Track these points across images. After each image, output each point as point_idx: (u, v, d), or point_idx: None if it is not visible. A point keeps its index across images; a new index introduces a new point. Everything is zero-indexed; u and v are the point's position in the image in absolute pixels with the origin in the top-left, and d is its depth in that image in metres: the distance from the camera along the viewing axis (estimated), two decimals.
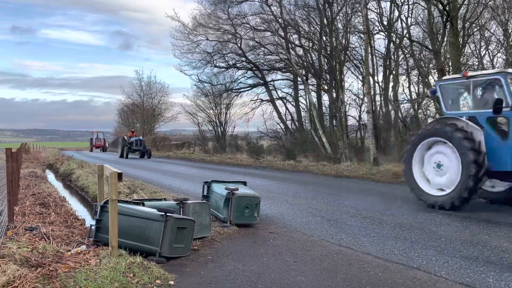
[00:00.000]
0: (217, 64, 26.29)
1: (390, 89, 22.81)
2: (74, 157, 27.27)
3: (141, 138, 29.05)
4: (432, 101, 18.25)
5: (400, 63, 21.84)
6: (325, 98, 23.29)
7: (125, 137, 30.00)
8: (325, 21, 19.60)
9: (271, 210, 7.93)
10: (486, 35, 20.47)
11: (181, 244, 4.96)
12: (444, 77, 9.28)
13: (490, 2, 16.83)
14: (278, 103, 26.40)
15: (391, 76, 22.77)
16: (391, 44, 21.79)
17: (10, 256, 4.44)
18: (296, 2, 20.77)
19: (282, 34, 22.00)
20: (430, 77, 19.54)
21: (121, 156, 29.09)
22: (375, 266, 4.57)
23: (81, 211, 9.80)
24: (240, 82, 27.75)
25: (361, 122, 23.80)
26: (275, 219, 7.16)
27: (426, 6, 17.27)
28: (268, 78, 26.47)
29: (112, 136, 62.56)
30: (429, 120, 18.91)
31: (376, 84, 22.90)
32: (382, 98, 22.93)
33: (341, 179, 13.46)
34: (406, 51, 19.74)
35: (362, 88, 22.39)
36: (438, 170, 8.00)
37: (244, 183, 7.71)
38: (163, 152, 35.67)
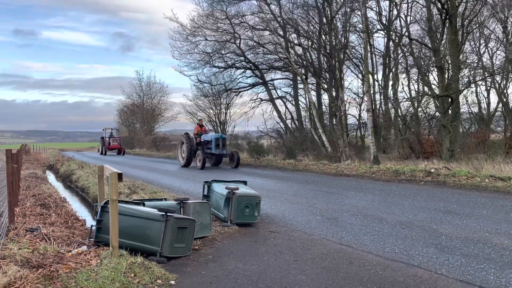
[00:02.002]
0: (216, 64, 26.26)
1: (390, 87, 22.84)
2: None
3: (223, 136, 19.03)
4: (431, 99, 18.25)
5: (400, 61, 21.87)
6: (325, 97, 23.30)
7: (190, 135, 19.70)
8: (324, 20, 19.58)
9: (271, 209, 7.93)
10: (485, 33, 20.48)
11: (181, 243, 4.97)
12: None
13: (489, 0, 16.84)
14: (278, 102, 26.39)
15: (391, 75, 22.78)
16: (391, 43, 21.81)
17: (11, 257, 4.45)
18: (295, 1, 20.77)
19: (281, 33, 21.99)
20: (430, 75, 19.56)
21: (187, 164, 19.06)
22: (376, 265, 4.57)
23: (81, 211, 9.81)
24: (240, 82, 27.74)
25: (361, 121, 23.84)
26: (275, 218, 7.17)
27: (425, 4, 17.27)
28: (268, 78, 26.46)
29: None
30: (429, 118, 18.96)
31: (376, 83, 22.93)
32: (381, 97, 22.96)
33: (341, 177, 13.46)
34: (406, 49, 19.75)
35: (361, 86, 22.41)
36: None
37: (245, 183, 7.71)
38: (163, 152, 35.66)
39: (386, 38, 21.77)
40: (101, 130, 41.05)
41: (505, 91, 19.88)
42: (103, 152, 38.59)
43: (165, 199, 7.08)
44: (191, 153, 18.81)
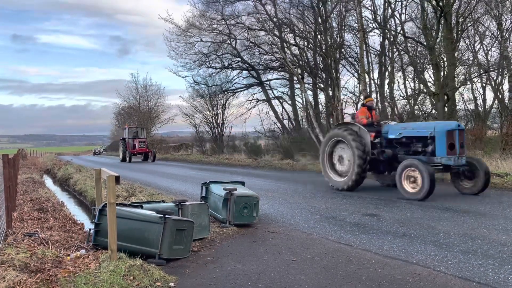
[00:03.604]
0: (212, 65, 26.28)
1: (386, 85, 22.87)
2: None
3: (462, 126, 9.07)
4: (428, 96, 18.31)
5: (395, 59, 21.92)
6: (322, 96, 23.34)
7: (355, 125, 10.25)
8: (319, 19, 19.62)
9: (270, 210, 7.94)
10: (480, 30, 20.55)
11: (180, 245, 4.96)
12: None
13: None
14: (275, 102, 26.45)
15: (387, 73, 22.82)
16: (386, 41, 21.85)
17: (9, 262, 4.43)
18: (290, 0, 20.80)
19: (277, 33, 22.01)
20: (426, 73, 19.62)
21: (356, 185, 9.87)
22: (375, 263, 4.58)
23: (79, 215, 9.78)
24: (236, 83, 27.78)
25: None
26: (274, 219, 7.17)
27: (419, 2, 17.33)
28: (264, 78, 26.51)
29: (109, 139, 62.32)
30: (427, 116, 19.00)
31: (372, 81, 22.97)
32: (378, 95, 23.00)
33: None
34: (401, 47, 19.79)
35: (358, 85, 22.44)
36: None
37: (243, 183, 7.71)
38: (161, 155, 35.65)
39: (381, 37, 21.82)
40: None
41: (500, 87, 19.97)
42: (126, 158, 29.37)
43: (163, 201, 7.06)
44: (365, 162, 9.71)
